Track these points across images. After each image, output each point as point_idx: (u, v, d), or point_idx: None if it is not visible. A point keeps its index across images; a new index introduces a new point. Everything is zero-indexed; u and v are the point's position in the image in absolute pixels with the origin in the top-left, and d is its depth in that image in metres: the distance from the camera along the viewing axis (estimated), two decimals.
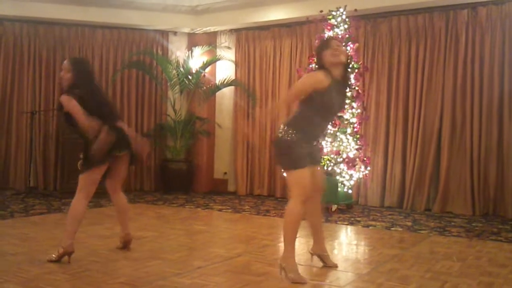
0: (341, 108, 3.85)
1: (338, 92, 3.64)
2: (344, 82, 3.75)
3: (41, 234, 4.98)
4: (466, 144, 6.81)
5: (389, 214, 6.61)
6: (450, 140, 6.90)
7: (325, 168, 6.57)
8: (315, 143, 3.78)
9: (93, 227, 5.16)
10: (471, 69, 6.82)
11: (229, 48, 8.73)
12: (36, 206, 6.64)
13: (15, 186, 8.03)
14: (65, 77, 4.05)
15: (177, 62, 8.69)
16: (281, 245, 4.45)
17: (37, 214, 6.11)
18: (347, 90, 3.76)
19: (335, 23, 6.74)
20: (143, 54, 8.62)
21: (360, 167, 6.66)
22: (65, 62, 4.11)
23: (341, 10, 6.75)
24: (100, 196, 6.45)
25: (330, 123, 3.73)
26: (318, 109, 3.59)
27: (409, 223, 5.95)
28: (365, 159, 6.71)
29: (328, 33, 6.76)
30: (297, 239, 3.70)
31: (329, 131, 6.55)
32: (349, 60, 3.73)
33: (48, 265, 3.75)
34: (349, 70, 3.75)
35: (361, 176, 6.74)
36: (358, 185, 7.27)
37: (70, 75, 4.03)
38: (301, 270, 3.63)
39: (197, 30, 8.83)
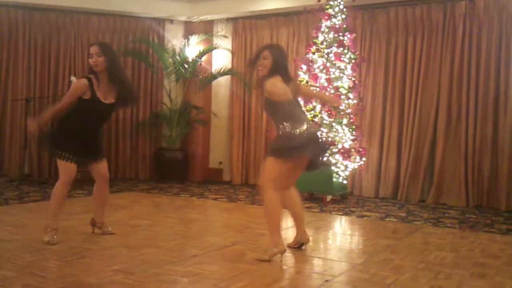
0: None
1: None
2: None
3: (35, 221, 4.96)
4: (461, 137, 6.83)
5: (384, 205, 6.64)
6: (445, 132, 6.92)
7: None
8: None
9: (88, 215, 5.14)
10: (468, 61, 6.82)
11: (225, 37, 8.69)
12: (31, 193, 6.63)
13: (9, 173, 8.01)
14: (99, 61, 4.01)
15: (173, 50, 8.65)
16: None
17: (32, 201, 6.11)
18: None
19: (333, 13, 6.71)
20: (139, 42, 8.58)
21: (355, 158, 6.68)
22: (95, 46, 4.05)
23: (339, 0, 6.72)
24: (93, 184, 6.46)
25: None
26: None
27: (403, 214, 5.98)
28: (360, 149, 6.72)
29: (325, 23, 6.74)
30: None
31: (325, 121, 6.57)
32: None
33: (43, 252, 3.75)
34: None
35: (356, 166, 6.75)
36: (353, 175, 7.29)
37: (102, 59, 4.02)
38: (293, 257, 3.65)
39: (194, 19, 8.78)
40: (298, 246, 4.10)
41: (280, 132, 3.82)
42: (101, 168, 4.22)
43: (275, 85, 3.80)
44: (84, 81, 4.00)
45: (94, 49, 4.03)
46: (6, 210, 5.52)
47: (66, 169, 4.01)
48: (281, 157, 3.77)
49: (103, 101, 4.02)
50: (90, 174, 4.29)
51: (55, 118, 4.10)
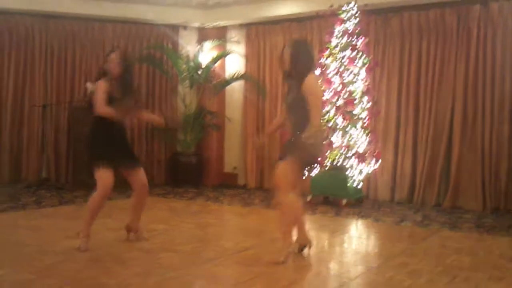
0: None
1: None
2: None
3: (53, 226, 5.04)
4: (477, 139, 6.77)
5: (399, 209, 6.60)
6: (461, 135, 6.87)
7: (335, 162, 6.58)
8: None
9: (109, 220, 5.20)
10: (483, 64, 6.77)
11: (238, 42, 8.74)
12: (48, 199, 6.70)
13: (27, 179, 8.09)
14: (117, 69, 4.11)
15: (187, 56, 8.70)
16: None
17: (49, 206, 6.17)
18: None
19: (345, 17, 6.72)
20: (154, 49, 8.65)
21: (370, 162, 6.66)
22: (117, 53, 4.15)
23: (352, 4, 6.73)
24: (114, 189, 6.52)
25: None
26: None
27: (419, 218, 5.94)
28: (375, 153, 6.70)
29: (338, 28, 6.75)
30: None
31: (339, 125, 6.57)
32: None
33: (61, 256, 3.80)
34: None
35: (371, 170, 6.73)
36: (368, 179, 7.26)
37: (120, 67, 4.11)
38: (309, 260, 3.65)
39: (207, 25, 8.84)
40: (300, 250, 4.04)
41: (303, 138, 3.73)
42: (140, 176, 4.24)
43: (317, 83, 3.76)
44: (100, 81, 4.10)
45: (115, 56, 4.13)
46: (24, 215, 5.60)
47: (103, 179, 3.98)
48: (304, 164, 3.80)
49: (118, 97, 4.09)
50: (128, 182, 4.29)
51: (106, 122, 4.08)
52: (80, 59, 8.42)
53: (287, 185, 3.78)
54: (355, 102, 6.56)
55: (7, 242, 4.24)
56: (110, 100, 4.06)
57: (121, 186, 4.41)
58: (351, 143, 6.54)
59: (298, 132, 3.79)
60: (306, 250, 4.06)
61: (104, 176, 3.98)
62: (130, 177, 4.23)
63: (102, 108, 4.02)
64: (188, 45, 8.90)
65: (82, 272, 3.44)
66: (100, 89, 4.08)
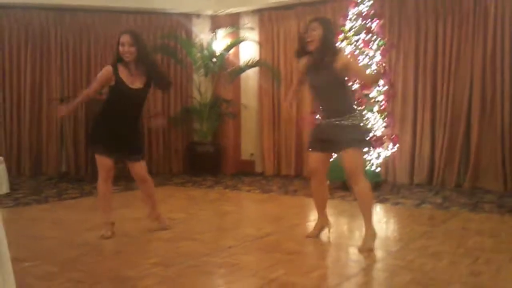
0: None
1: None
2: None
3: (74, 217, 5.10)
4: (497, 119, 6.67)
5: (419, 191, 6.55)
6: (480, 116, 6.77)
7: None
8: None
9: (126, 210, 5.25)
10: (501, 44, 6.65)
11: (252, 29, 8.68)
12: (69, 191, 6.79)
13: (48, 172, 8.22)
14: (131, 51, 3.96)
15: (201, 45, 8.68)
16: (310, 224, 4.46)
17: (70, 198, 6.25)
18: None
19: (360, 0, 6.63)
20: (167, 38, 8.65)
21: (388, 145, 6.60)
22: (127, 35, 3.96)
23: None
24: (131, 179, 6.57)
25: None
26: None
27: (439, 200, 5.89)
28: (392, 137, 6.64)
29: (352, 11, 6.66)
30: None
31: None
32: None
33: (83, 247, 3.85)
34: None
35: (389, 154, 6.67)
36: (386, 163, 7.20)
37: (134, 50, 3.97)
38: (329, 246, 3.64)
39: (220, 12, 8.80)
40: (319, 232, 4.10)
41: (354, 121, 3.75)
42: (136, 168, 4.21)
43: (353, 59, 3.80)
44: (108, 67, 4.01)
45: (126, 38, 3.94)
46: (46, 207, 5.68)
47: (101, 164, 4.09)
48: (364, 148, 3.98)
49: (129, 86, 4.00)
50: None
51: (83, 103, 4.14)
52: (95, 52, 8.47)
53: (363, 171, 3.84)
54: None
55: (31, 235, 4.31)
56: (119, 88, 3.98)
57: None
58: (368, 126, 6.48)
59: (343, 116, 3.73)
60: (326, 232, 4.10)
61: (101, 161, 4.08)
62: (130, 168, 4.25)
63: (87, 90, 4.10)
64: (202, 34, 8.88)
65: (103, 263, 3.48)
66: (100, 74, 4.04)
